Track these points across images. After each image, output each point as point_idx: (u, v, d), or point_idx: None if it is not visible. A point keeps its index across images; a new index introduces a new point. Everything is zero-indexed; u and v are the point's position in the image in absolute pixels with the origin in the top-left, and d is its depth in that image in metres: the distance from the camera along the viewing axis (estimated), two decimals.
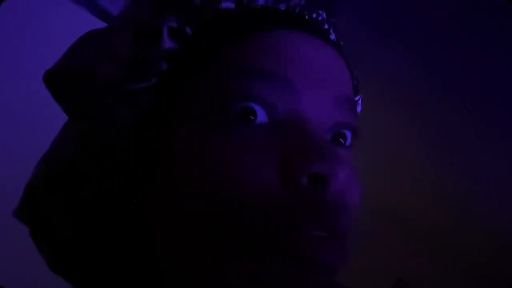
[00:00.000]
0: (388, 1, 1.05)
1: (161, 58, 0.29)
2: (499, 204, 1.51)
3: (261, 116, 0.27)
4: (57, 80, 0.30)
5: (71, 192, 0.30)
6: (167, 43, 0.29)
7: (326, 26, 0.34)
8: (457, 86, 1.20)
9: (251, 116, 0.27)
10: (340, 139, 0.31)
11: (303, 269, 0.25)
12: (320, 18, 0.34)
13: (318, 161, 0.26)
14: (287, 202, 0.26)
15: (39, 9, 0.92)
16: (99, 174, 0.30)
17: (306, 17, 0.33)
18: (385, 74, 1.28)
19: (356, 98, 0.37)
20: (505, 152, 1.33)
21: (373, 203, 1.75)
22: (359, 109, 0.38)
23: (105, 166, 0.30)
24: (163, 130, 0.29)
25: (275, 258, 0.25)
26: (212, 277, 0.26)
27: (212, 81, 0.28)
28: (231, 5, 0.31)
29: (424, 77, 1.23)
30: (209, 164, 0.27)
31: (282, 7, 0.33)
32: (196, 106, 0.28)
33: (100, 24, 0.39)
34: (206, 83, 0.28)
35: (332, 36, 0.35)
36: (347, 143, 0.32)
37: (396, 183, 1.67)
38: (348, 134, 0.31)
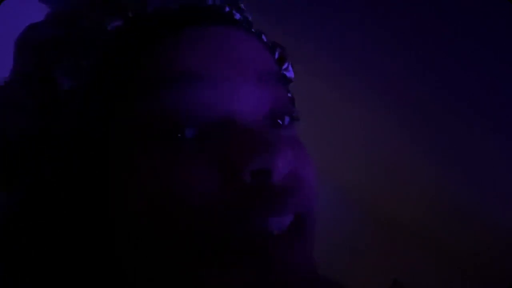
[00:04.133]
0: (383, 1, 1.03)
1: (65, 99, 0.28)
2: (497, 205, 1.50)
3: (189, 131, 0.27)
4: None
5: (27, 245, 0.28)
6: (65, 84, 0.28)
7: (227, 9, 0.33)
8: (455, 87, 1.21)
9: (178, 134, 0.26)
10: (278, 120, 0.30)
11: (271, 271, 0.25)
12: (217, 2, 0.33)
13: (255, 157, 0.26)
14: (234, 201, 0.26)
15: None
16: (56, 221, 0.28)
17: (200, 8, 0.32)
18: (382, 76, 1.28)
19: (284, 66, 0.37)
20: (503, 153, 1.33)
21: (372, 205, 1.75)
22: (291, 74, 0.37)
23: (59, 212, 0.28)
24: (104, 159, 0.28)
25: (242, 262, 0.25)
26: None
27: (131, 102, 0.28)
28: (119, 24, 0.29)
29: (422, 78, 1.23)
30: (154, 181, 0.26)
31: (175, 6, 0.31)
32: (126, 129, 0.28)
33: None
34: (128, 105, 0.28)
35: (237, 16, 0.34)
36: (286, 123, 0.31)
37: (395, 185, 1.66)
38: (286, 117, 0.31)
